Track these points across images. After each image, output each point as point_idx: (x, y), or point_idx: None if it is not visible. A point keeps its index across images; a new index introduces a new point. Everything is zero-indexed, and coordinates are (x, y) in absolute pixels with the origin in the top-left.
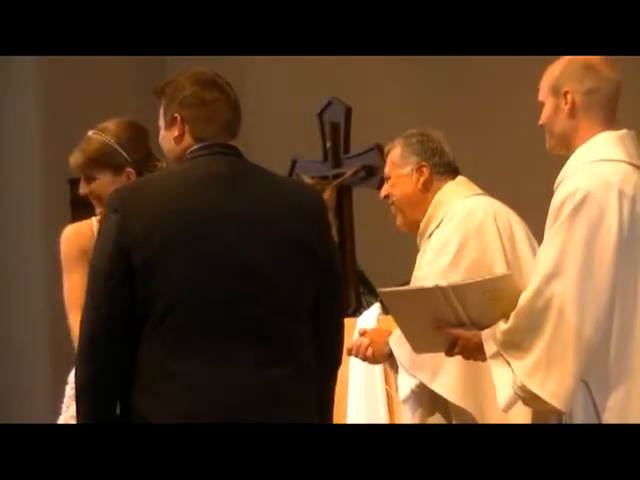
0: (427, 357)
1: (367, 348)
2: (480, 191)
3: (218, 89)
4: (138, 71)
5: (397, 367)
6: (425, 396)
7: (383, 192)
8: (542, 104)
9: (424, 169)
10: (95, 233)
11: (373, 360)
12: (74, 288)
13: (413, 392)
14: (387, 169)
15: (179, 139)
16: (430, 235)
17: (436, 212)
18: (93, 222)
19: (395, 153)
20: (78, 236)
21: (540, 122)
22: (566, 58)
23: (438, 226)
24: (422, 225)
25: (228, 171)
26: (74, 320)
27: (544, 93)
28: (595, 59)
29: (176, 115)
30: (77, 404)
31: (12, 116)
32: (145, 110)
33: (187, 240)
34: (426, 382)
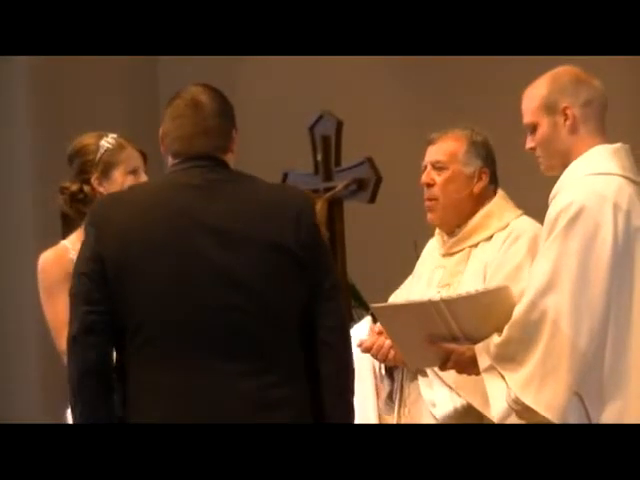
0: (480, 380)
1: (389, 350)
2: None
3: (189, 104)
4: (130, 72)
5: (409, 376)
6: (470, 418)
7: (429, 178)
8: (530, 126)
9: (484, 176)
10: (72, 255)
11: (393, 363)
12: (62, 311)
13: (456, 411)
14: (443, 158)
15: (165, 153)
16: (475, 245)
17: (486, 224)
18: (66, 245)
19: (459, 147)
20: (58, 260)
21: (531, 145)
22: (547, 77)
23: (490, 239)
24: (464, 231)
25: (198, 182)
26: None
27: (534, 114)
28: (579, 72)
29: (160, 129)
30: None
31: (1, 119)
32: (137, 112)
33: (155, 253)
34: (478, 406)
